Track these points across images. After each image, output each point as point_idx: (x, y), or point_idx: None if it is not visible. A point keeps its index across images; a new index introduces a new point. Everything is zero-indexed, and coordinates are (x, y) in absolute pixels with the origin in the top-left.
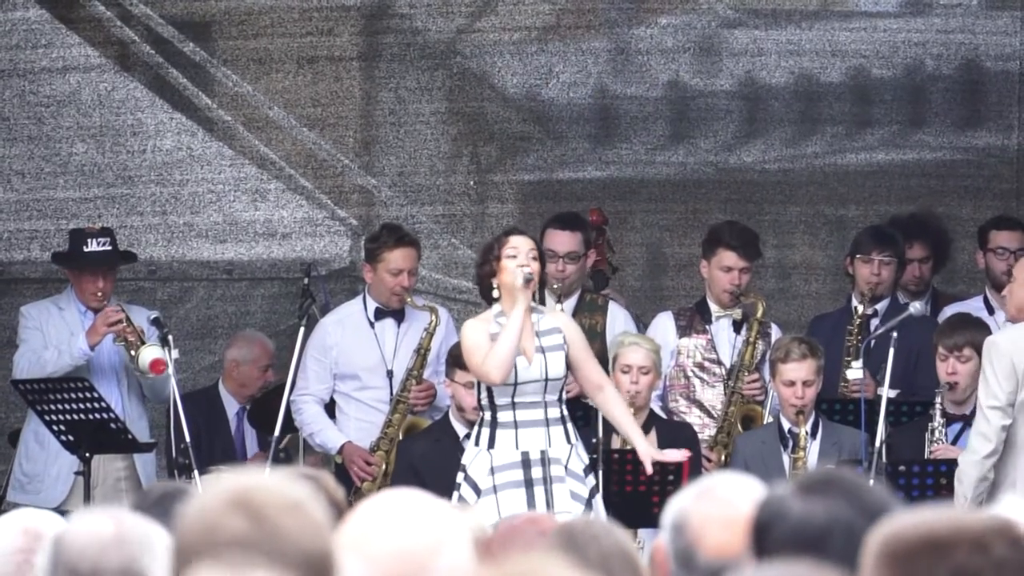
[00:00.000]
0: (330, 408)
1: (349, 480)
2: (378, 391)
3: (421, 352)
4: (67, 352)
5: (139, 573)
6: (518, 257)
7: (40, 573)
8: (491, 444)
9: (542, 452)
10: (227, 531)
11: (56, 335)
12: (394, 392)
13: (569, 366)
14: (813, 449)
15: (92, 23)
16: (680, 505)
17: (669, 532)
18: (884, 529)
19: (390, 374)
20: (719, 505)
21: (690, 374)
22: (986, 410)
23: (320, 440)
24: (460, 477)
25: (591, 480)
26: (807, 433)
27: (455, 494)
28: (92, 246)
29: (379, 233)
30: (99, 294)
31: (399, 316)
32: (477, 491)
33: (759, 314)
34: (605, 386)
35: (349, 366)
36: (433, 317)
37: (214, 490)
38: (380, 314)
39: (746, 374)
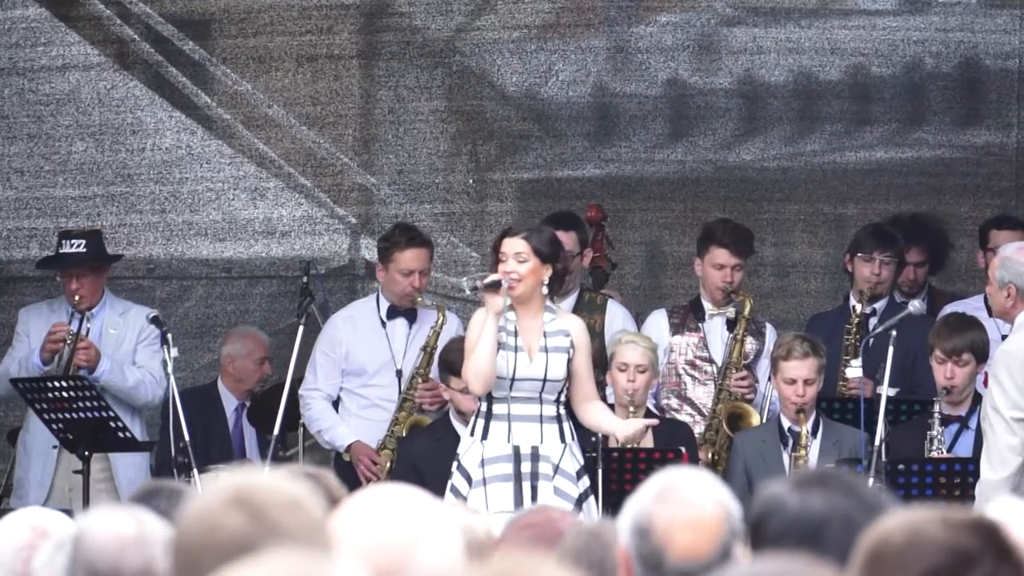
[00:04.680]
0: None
1: (355, 477)
2: (386, 389)
3: (428, 351)
4: (25, 367)
5: (158, 573)
6: (506, 262)
7: (58, 571)
8: (484, 435)
9: (533, 448)
10: (227, 529)
11: (39, 338)
12: (402, 390)
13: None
14: (814, 448)
15: (91, 21)
16: (640, 507)
17: (632, 536)
18: (869, 533)
19: (399, 373)
20: (683, 507)
21: (681, 372)
22: (1012, 423)
23: (328, 437)
24: (454, 466)
25: (585, 482)
26: (808, 432)
27: (449, 483)
28: (66, 248)
29: (391, 233)
30: (76, 297)
31: (411, 316)
32: (469, 481)
33: (747, 312)
34: (594, 399)
35: (357, 363)
36: (440, 316)
37: (214, 488)
38: (392, 313)
39: (734, 371)
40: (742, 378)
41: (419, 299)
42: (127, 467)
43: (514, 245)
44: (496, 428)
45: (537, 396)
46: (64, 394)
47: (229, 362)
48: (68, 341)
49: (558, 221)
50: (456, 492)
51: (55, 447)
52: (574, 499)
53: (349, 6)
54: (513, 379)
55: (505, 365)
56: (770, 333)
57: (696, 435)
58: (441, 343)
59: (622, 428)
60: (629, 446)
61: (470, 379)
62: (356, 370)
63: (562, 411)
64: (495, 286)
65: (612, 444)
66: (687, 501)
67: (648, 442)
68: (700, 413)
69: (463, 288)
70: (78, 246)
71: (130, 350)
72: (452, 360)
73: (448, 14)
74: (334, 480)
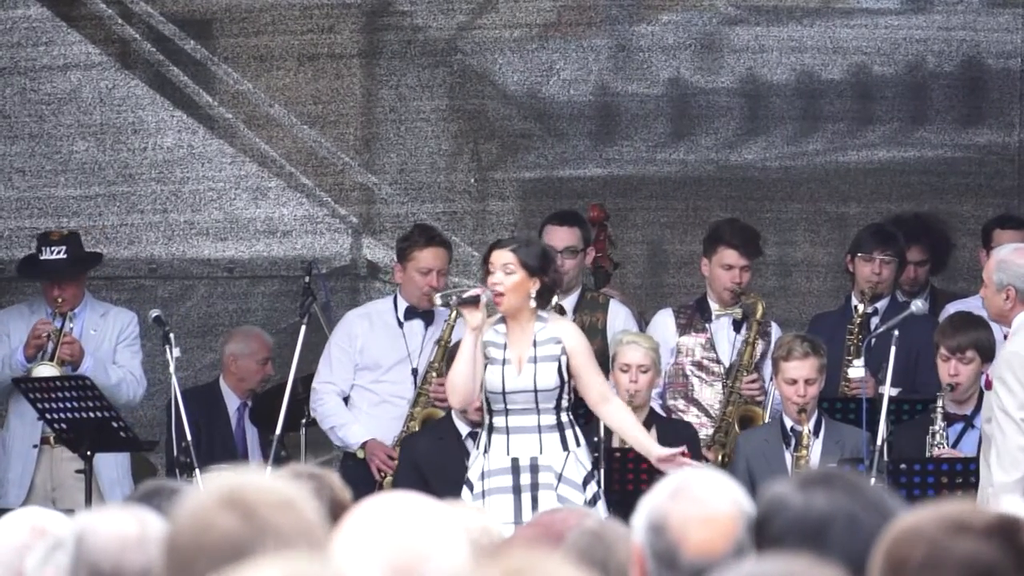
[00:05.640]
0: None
1: (365, 476)
2: (397, 386)
3: (442, 344)
4: (8, 364)
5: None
6: (493, 274)
7: (55, 571)
8: (487, 448)
9: (532, 459)
10: (219, 529)
11: (20, 339)
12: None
13: (570, 375)
14: (815, 447)
15: (93, 21)
16: (655, 505)
17: (646, 533)
18: (885, 543)
19: (415, 372)
20: (697, 504)
21: (688, 372)
22: (1020, 423)
23: (342, 435)
24: (465, 479)
25: (592, 488)
26: (810, 431)
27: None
28: (46, 254)
29: (411, 233)
30: (59, 300)
31: (428, 318)
32: (473, 493)
33: (759, 315)
34: (610, 398)
35: (372, 357)
36: (454, 310)
37: (207, 489)
38: (409, 314)
39: (745, 374)
40: (752, 381)
41: (436, 299)
42: (108, 467)
43: (502, 257)
44: (496, 441)
45: (533, 407)
46: (67, 393)
47: (232, 361)
48: (51, 337)
49: (562, 218)
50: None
51: (35, 446)
52: (579, 507)
53: (351, 5)
54: (504, 392)
55: (495, 380)
56: (776, 333)
57: (704, 437)
58: (455, 336)
59: (657, 453)
60: (629, 446)
61: (448, 393)
62: (370, 364)
63: (564, 418)
64: (473, 301)
65: (615, 444)
66: (702, 499)
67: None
68: (707, 415)
69: (436, 302)
70: (58, 252)
71: (110, 350)
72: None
73: (449, 13)
74: (337, 480)
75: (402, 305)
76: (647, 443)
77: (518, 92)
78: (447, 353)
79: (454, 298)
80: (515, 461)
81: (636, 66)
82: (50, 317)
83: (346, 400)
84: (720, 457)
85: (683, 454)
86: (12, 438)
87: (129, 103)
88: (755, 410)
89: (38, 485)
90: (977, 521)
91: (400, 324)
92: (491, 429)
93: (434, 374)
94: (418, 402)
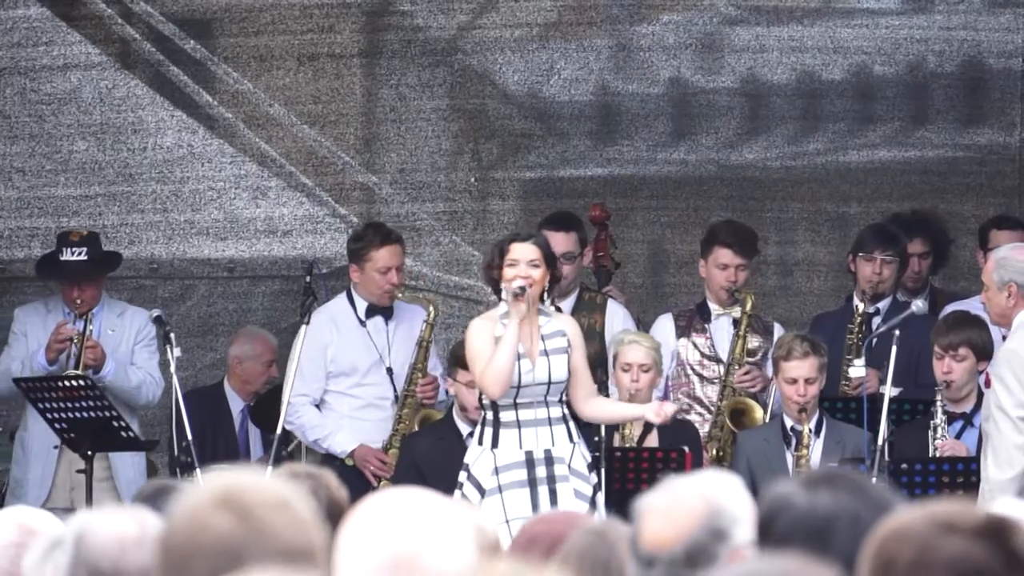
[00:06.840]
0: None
1: (362, 482)
2: (379, 387)
3: (423, 344)
4: (28, 367)
5: None
6: (517, 267)
7: (54, 570)
8: (495, 443)
9: (546, 451)
10: (214, 529)
11: (37, 339)
12: (397, 389)
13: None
14: (817, 447)
15: (93, 21)
16: (644, 496)
17: (632, 520)
18: (874, 542)
19: (389, 371)
20: (665, 498)
21: (690, 372)
22: (1018, 422)
23: (327, 445)
24: (463, 476)
25: (594, 477)
26: (811, 431)
27: (457, 492)
28: (67, 255)
29: (363, 232)
30: (79, 301)
31: (388, 314)
32: (481, 491)
33: (748, 308)
34: (594, 393)
35: (348, 362)
36: (432, 308)
37: (201, 489)
38: (370, 312)
39: (737, 367)
40: (745, 373)
41: (399, 295)
42: (126, 467)
43: (528, 251)
44: (506, 435)
45: (543, 399)
46: (67, 393)
47: (237, 363)
48: (75, 341)
49: (558, 222)
50: (466, 502)
51: (56, 447)
52: (589, 498)
53: (351, 5)
54: (519, 386)
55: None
56: (778, 332)
57: (703, 433)
58: (435, 336)
59: (651, 408)
60: (629, 445)
61: (488, 384)
62: (346, 370)
63: (566, 411)
64: (523, 293)
65: (616, 443)
66: (671, 491)
67: (653, 441)
68: (710, 412)
69: (507, 298)
70: (79, 253)
71: (128, 351)
72: (461, 353)
73: (450, 13)
74: (334, 480)
75: (360, 304)
76: (636, 409)
77: (519, 92)
78: (428, 353)
79: (516, 289)
80: (529, 454)
81: (637, 66)
82: (68, 317)
83: (318, 406)
84: (716, 452)
85: (685, 454)
86: (31, 439)
87: (129, 103)
88: (746, 402)
89: (58, 486)
90: (966, 521)
91: (362, 323)
92: (497, 424)
93: (419, 375)
94: (406, 404)
